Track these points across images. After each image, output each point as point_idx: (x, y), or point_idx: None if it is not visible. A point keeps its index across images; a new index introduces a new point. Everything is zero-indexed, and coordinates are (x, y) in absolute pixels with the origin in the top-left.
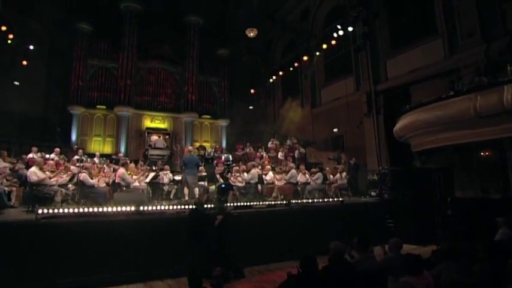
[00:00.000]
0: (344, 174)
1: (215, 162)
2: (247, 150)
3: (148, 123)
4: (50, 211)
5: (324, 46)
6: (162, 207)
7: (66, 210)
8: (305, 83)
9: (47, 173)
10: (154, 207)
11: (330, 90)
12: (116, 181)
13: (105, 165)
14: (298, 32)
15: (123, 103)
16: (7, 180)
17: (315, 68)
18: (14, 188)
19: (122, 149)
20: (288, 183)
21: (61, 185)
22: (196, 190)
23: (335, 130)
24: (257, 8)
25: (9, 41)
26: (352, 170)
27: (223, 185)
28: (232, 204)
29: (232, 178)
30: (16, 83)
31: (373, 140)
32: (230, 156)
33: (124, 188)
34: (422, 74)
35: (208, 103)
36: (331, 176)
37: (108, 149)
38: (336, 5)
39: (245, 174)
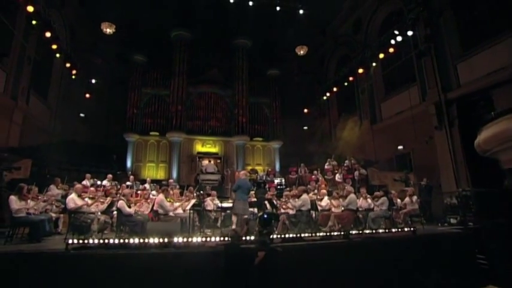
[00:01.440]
0: (415, 198)
1: (267, 186)
2: (302, 173)
3: (199, 147)
4: (80, 241)
5: (381, 55)
6: (198, 239)
7: (96, 241)
8: (362, 98)
9: (87, 199)
10: (189, 239)
11: (391, 104)
12: (154, 208)
13: (154, 192)
14: (352, 44)
15: (175, 128)
16: (56, 206)
17: (372, 80)
18: (62, 215)
19: (174, 174)
20: (347, 210)
21: (104, 212)
22: (246, 216)
23: (400, 147)
24: (306, 25)
25: (73, 76)
26: (423, 193)
27: (265, 215)
28: (279, 236)
29: (282, 205)
30: (82, 114)
31: (448, 157)
32: (283, 180)
33: (162, 216)
34: (508, 75)
35: (259, 125)
36: (399, 201)
37: (161, 174)
38: (391, 11)
39: (296, 200)
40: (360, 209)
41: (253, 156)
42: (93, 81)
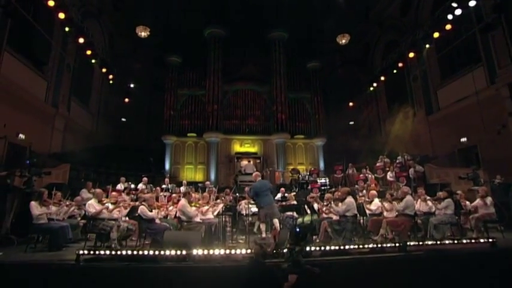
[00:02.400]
0: (489, 199)
1: (309, 187)
2: (349, 172)
3: (237, 147)
4: (92, 252)
5: (436, 35)
6: (221, 252)
7: (108, 252)
8: (415, 86)
9: (108, 205)
10: (210, 251)
11: (450, 90)
12: (177, 215)
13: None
14: (399, 27)
15: (212, 129)
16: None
17: (426, 65)
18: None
19: (212, 176)
20: (403, 215)
21: (131, 219)
22: (277, 221)
23: (463, 140)
24: (347, 11)
25: (110, 81)
26: (498, 193)
27: (298, 228)
28: (318, 248)
29: (324, 209)
30: (123, 119)
31: None
32: (327, 180)
33: (185, 224)
34: None
35: (300, 122)
36: (467, 203)
37: (199, 176)
38: None
39: (339, 204)
40: (419, 213)
41: (294, 154)
42: (132, 85)
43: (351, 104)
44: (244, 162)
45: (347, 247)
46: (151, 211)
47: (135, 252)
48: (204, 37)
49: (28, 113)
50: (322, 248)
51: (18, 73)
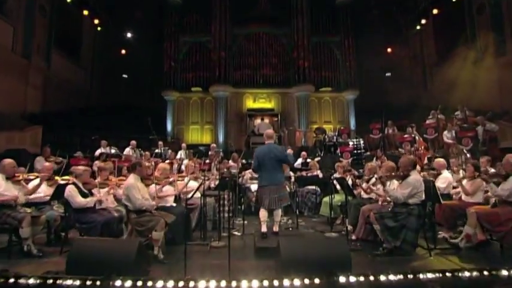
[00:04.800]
0: None
1: (338, 151)
2: (388, 132)
3: (250, 103)
4: None
5: None
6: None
7: None
8: (480, 20)
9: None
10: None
11: None
12: (123, 201)
13: (185, 161)
14: None
15: (219, 81)
16: None
17: None
18: None
19: (220, 137)
20: (507, 205)
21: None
22: (278, 215)
23: None
24: None
25: (98, 28)
26: None
27: None
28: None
29: (364, 186)
30: (124, 75)
31: None
32: (361, 142)
33: (134, 216)
34: None
35: (327, 71)
36: None
37: (206, 138)
38: None
39: (389, 183)
40: None
41: (319, 111)
42: (129, 35)
43: (389, 50)
44: (258, 121)
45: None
46: (86, 194)
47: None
48: None
49: None
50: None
51: None
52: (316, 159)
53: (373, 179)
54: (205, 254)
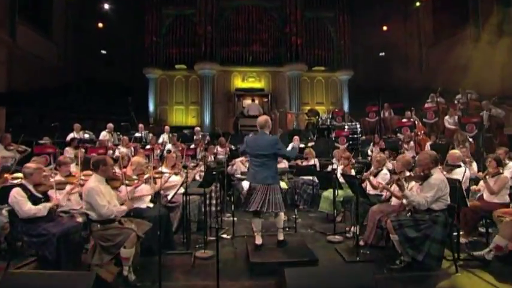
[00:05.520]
0: None
1: (333, 134)
2: (385, 115)
3: (238, 82)
4: None
5: None
6: None
7: None
8: None
9: None
10: None
11: None
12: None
13: (169, 146)
14: None
15: (205, 58)
16: None
17: None
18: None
19: (207, 119)
20: None
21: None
22: (281, 221)
23: None
24: None
25: None
26: None
27: None
28: None
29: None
30: (102, 51)
31: None
32: (358, 126)
33: (98, 227)
34: None
35: (321, 49)
36: None
37: (192, 119)
38: None
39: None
40: None
41: (312, 92)
42: (106, 6)
43: (385, 28)
44: (248, 102)
45: None
46: (38, 199)
47: None
48: None
49: None
50: None
51: None
52: (310, 144)
53: (383, 173)
54: (188, 270)
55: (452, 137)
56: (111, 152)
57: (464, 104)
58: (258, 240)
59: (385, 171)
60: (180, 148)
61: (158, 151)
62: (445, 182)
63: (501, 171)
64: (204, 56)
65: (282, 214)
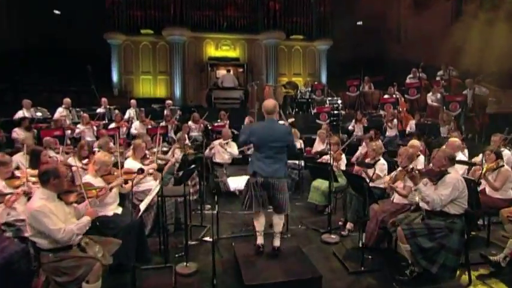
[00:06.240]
0: None
1: (314, 110)
2: (365, 89)
3: (211, 51)
4: None
5: None
6: None
7: None
8: None
9: None
10: None
11: None
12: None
13: (136, 124)
14: None
15: (174, 23)
16: None
17: None
18: None
19: (177, 90)
20: None
21: None
22: (280, 225)
23: None
24: None
25: None
26: None
27: None
28: None
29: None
30: (56, 12)
31: None
32: (339, 101)
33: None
34: None
35: (299, 16)
36: None
37: (161, 91)
38: None
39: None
40: None
41: (289, 62)
42: None
43: None
44: (222, 72)
45: None
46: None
47: None
48: None
49: None
50: None
51: None
52: (290, 120)
53: (381, 163)
54: None
55: (434, 116)
56: (69, 132)
57: (446, 81)
58: (260, 241)
59: (382, 161)
60: (150, 126)
61: (124, 129)
62: (462, 182)
63: (501, 163)
64: (173, 20)
65: (282, 216)
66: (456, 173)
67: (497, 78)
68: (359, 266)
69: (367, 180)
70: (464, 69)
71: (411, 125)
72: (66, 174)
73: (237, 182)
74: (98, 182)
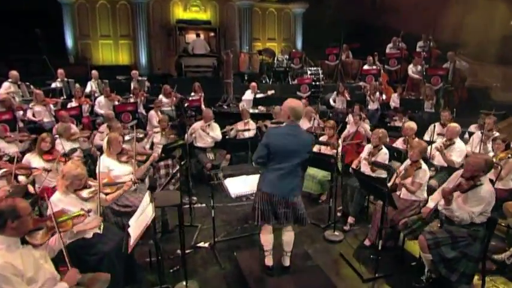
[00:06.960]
0: None
1: (294, 81)
2: (344, 58)
3: (179, 12)
4: None
5: None
6: None
7: None
8: None
9: None
10: None
11: None
12: None
13: (101, 99)
14: None
15: None
16: None
17: None
18: None
19: (142, 57)
20: None
21: None
22: (291, 243)
23: None
24: None
25: None
26: None
27: None
28: None
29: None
30: None
31: None
32: (320, 72)
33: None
34: None
35: None
36: None
37: (124, 57)
38: None
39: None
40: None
41: (263, 26)
42: None
43: None
44: (192, 37)
45: None
46: None
47: None
48: None
49: None
50: None
51: None
52: (270, 92)
53: (383, 152)
54: None
55: (414, 88)
56: (21, 113)
57: (427, 52)
58: (269, 262)
59: (385, 150)
60: (117, 102)
61: (87, 106)
62: (494, 194)
63: (510, 155)
64: None
65: (293, 234)
66: (488, 185)
67: (473, 51)
68: (372, 272)
69: (388, 186)
70: (439, 39)
71: (394, 99)
72: (28, 209)
73: (237, 187)
74: (70, 201)
